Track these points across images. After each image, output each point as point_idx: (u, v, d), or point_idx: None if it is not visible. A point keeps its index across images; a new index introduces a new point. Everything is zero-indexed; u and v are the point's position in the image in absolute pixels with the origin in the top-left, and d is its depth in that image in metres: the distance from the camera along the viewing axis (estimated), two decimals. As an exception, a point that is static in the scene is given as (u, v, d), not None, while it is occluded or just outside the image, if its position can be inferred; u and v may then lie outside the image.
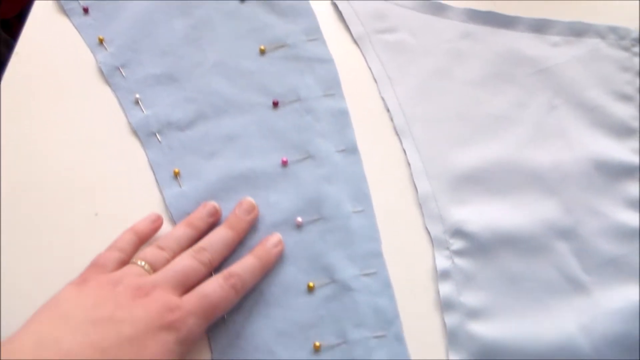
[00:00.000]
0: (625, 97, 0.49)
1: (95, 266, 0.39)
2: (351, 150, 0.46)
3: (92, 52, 0.50)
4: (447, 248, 0.43)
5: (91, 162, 0.46)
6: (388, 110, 0.49)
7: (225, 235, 0.41)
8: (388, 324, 0.41)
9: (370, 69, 0.50)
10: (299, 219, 0.43)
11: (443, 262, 0.43)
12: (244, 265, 0.40)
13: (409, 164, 0.46)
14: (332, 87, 0.48)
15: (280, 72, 0.49)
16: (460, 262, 0.43)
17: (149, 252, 0.40)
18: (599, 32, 0.52)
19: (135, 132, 0.47)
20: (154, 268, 0.39)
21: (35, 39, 0.51)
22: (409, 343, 0.40)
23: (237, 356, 0.40)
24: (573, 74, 0.50)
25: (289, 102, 0.47)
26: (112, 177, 0.45)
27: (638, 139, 0.47)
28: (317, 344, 0.40)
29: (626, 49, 0.51)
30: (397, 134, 0.48)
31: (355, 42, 0.52)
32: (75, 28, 0.51)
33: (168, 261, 0.40)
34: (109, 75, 0.49)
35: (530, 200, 0.45)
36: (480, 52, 0.51)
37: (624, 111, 0.48)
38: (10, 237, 0.43)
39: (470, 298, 0.42)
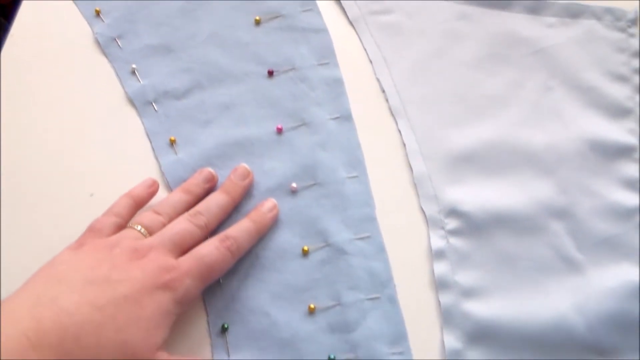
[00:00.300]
0: (620, 78, 0.49)
1: (92, 231, 0.39)
2: (346, 117, 0.46)
3: (88, 24, 0.50)
4: (442, 228, 0.44)
5: (89, 132, 0.46)
6: (383, 91, 0.49)
7: (221, 200, 0.42)
8: (382, 286, 0.41)
9: (365, 50, 0.50)
10: (294, 185, 0.44)
11: (438, 242, 0.43)
12: (240, 228, 0.41)
13: (404, 145, 0.47)
14: (327, 56, 0.49)
15: (275, 42, 0.49)
16: (455, 241, 0.43)
17: (146, 216, 0.40)
18: (595, 14, 0.52)
19: (131, 102, 0.47)
20: (150, 232, 0.39)
21: (32, 14, 0.51)
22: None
23: (233, 318, 0.41)
24: (569, 55, 0.50)
25: (284, 71, 0.48)
26: (109, 147, 0.46)
27: (633, 119, 0.48)
28: (312, 306, 0.41)
29: (622, 30, 0.51)
30: (392, 114, 0.48)
31: (351, 23, 0.52)
32: (72, 0, 0.51)
33: (164, 225, 0.40)
34: (106, 46, 0.49)
35: (525, 180, 0.45)
36: (476, 33, 0.51)
37: (619, 92, 0.48)
38: (6, 215, 0.43)
39: (465, 277, 0.42)
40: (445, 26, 0.51)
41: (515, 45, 0.50)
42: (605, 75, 0.49)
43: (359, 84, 0.49)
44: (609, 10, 0.52)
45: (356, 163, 0.45)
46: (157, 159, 0.45)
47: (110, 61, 0.49)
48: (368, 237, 0.43)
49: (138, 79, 0.48)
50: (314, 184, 0.44)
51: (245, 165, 0.44)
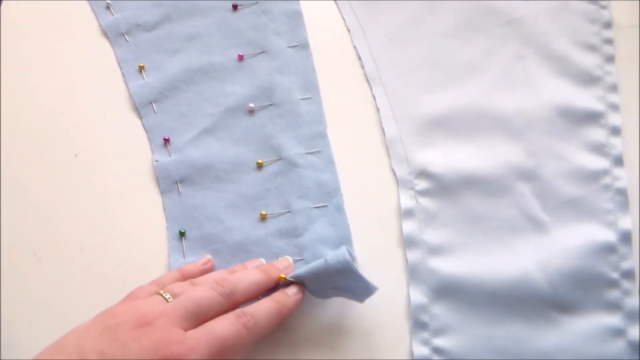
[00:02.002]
0: (591, 48, 0.49)
1: (128, 297, 0.38)
2: (303, 46, 0.49)
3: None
4: (412, 188, 0.45)
5: (65, 69, 0.50)
6: (359, 59, 0.50)
7: (256, 276, 0.39)
8: (329, 196, 0.44)
9: (344, 19, 0.52)
10: (251, 105, 0.47)
11: (407, 202, 0.44)
12: (260, 306, 0.37)
13: (378, 110, 0.48)
14: (288, -9, 0.52)
15: (241, -21, 0.52)
16: (424, 201, 0.44)
17: (179, 284, 0.38)
18: None
19: (105, 34, 0.51)
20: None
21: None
22: (371, 278, 0.39)
23: (189, 224, 0.44)
24: (541, 25, 0.50)
25: (247, 5, 0.51)
26: (84, 78, 0.49)
27: (602, 87, 0.48)
28: (263, 212, 0.43)
29: (594, 1, 0.51)
30: (367, 81, 0.49)
31: None
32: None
33: None
34: (83, -16, 0.53)
35: (494, 144, 0.46)
36: (452, 4, 0.52)
37: (589, 61, 0.49)
38: None
39: (432, 235, 0.43)
40: None
41: (490, 15, 0.51)
42: (576, 45, 0.49)
43: (336, 52, 0.50)
44: None
45: (310, 86, 0.48)
46: (126, 84, 0.49)
47: (87, -1, 0.52)
48: (318, 151, 0.45)
49: (112, 13, 0.51)
50: (270, 105, 0.47)
51: (289, 258, 0.42)
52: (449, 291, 0.42)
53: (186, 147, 0.46)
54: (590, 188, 0.44)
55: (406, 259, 0.43)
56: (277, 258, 0.42)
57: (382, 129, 0.47)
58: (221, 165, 0.45)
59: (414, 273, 0.42)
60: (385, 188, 0.45)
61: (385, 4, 0.52)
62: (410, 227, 0.44)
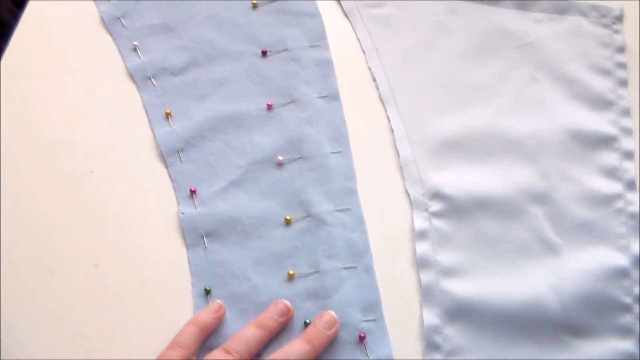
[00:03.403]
0: (604, 72, 0.50)
1: None
2: (333, 96, 0.48)
3: (95, 3, 0.53)
4: (426, 210, 0.45)
5: (91, 106, 0.49)
6: (374, 80, 0.50)
7: (302, 350, 0.38)
8: (359, 256, 0.43)
9: (359, 40, 0.52)
10: (280, 158, 0.46)
11: (421, 223, 0.44)
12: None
13: (392, 130, 0.48)
14: (318, 38, 0.51)
15: (269, 24, 0.51)
16: (437, 223, 0.44)
17: (216, 356, 0.38)
18: (581, 10, 0.53)
19: (132, 77, 0.50)
20: None
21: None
22: (385, 299, 0.42)
23: (215, 281, 0.43)
24: (554, 48, 0.51)
25: (277, 51, 0.50)
26: (109, 120, 0.48)
27: (615, 111, 0.49)
28: (291, 272, 0.42)
29: (607, 26, 0.52)
30: (382, 102, 0.49)
31: (345, 15, 0.54)
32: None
33: None
34: (110, 24, 0.52)
35: (507, 167, 0.46)
36: (465, 26, 0.52)
37: (602, 84, 0.49)
38: (7, 191, 0.46)
39: (446, 257, 0.43)
40: (435, 19, 0.53)
41: (503, 39, 0.52)
42: (589, 69, 0.50)
43: (351, 73, 0.51)
44: (595, 7, 0.53)
45: (340, 139, 0.47)
46: (152, 130, 0.48)
47: (114, 39, 0.51)
48: (348, 209, 0.44)
49: (139, 56, 0.50)
50: (300, 158, 0.46)
51: (333, 314, 0.41)
52: (462, 313, 0.42)
53: (213, 199, 0.45)
54: (603, 212, 0.45)
55: (419, 280, 0.43)
56: (304, 322, 0.41)
57: (397, 150, 0.47)
58: (248, 220, 0.44)
59: (427, 294, 0.42)
60: (399, 209, 0.45)
61: (399, 26, 0.53)
62: (423, 248, 0.44)
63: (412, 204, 0.45)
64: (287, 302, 0.41)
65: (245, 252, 0.43)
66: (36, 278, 0.43)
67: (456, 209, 0.45)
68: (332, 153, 0.46)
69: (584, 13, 0.53)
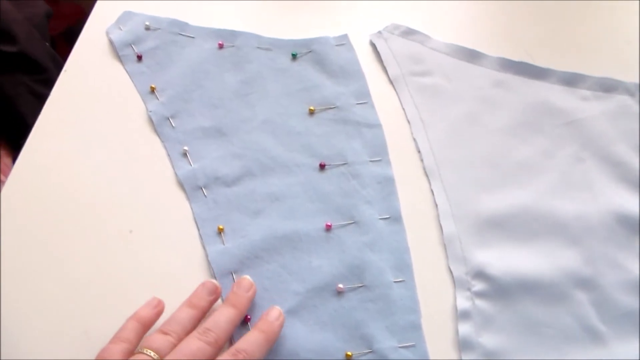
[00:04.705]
0: None
1: None
2: (395, 218, 0.46)
3: (143, 100, 0.51)
4: (469, 289, 0.44)
5: (135, 213, 0.46)
6: (419, 152, 0.50)
7: (229, 313, 0.41)
8: (424, 399, 0.41)
9: (404, 109, 0.52)
10: (340, 286, 0.44)
11: (464, 303, 0.44)
12: (250, 340, 0.40)
13: (436, 205, 0.47)
14: (379, 153, 0.49)
15: (327, 134, 0.49)
16: (480, 303, 0.44)
17: (154, 338, 0.39)
18: (628, 89, 0.53)
19: (181, 184, 0.47)
20: (161, 355, 0.38)
21: (87, 85, 0.52)
22: None
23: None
24: (601, 128, 0.51)
25: (336, 165, 0.48)
26: (156, 226, 0.46)
27: None
28: (353, 415, 0.40)
29: None
30: (426, 174, 0.49)
31: (390, 82, 0.53)
32: (128, 75, 0.52)
33: (174, 345, 0.39)
34: (159, 125, 0.49)
35: (552, 248, 0.46)
36: (511, 101, 0.52)
37: None
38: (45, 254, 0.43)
39: (489, 339, 0.42)
40: (482, 92, 0.53)
41: (549, 115, 0.52)
42: (636, 150, 0.50)
43: (395, 142, 0.50)
44: None
45: (404, 267, 0.45)
46: (204, 246, 0.45)
47: (162, 140, 0.49)
48: (413, 345, 0.42)
49: (189, 162, 0.48)
50: (361, 286, 0.44)
51: (248, 277, 0.43)
52: None
53: (269, 328, 0.43)
54: None
55: None
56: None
57: (440, 225, 0.47)
58: (306, 354, 0.42)
59: None
60: (441, 287, 0.44)
61: (446, 97, 0.52)
62: (466, 329, 0.43)
63: (455, 282, 0.44)
64: (214, 280, 0.43)
65: (303, 389, 0.41)
66: (73, 339, 0.42)
67: (500, 289, 0.44)
68: (394, 282, 0.44)
69: (631, 92, 0.53)
